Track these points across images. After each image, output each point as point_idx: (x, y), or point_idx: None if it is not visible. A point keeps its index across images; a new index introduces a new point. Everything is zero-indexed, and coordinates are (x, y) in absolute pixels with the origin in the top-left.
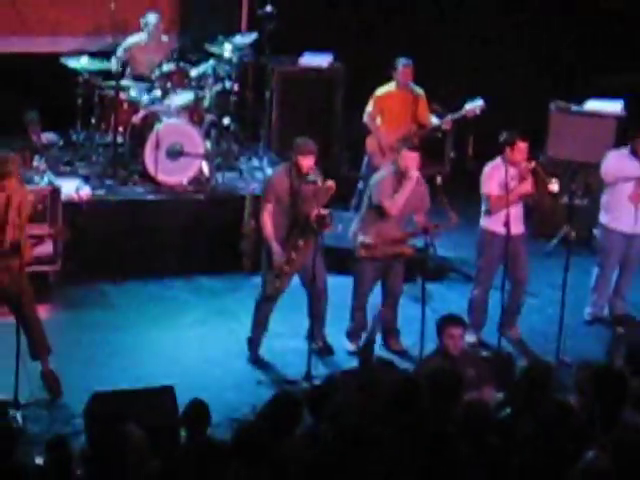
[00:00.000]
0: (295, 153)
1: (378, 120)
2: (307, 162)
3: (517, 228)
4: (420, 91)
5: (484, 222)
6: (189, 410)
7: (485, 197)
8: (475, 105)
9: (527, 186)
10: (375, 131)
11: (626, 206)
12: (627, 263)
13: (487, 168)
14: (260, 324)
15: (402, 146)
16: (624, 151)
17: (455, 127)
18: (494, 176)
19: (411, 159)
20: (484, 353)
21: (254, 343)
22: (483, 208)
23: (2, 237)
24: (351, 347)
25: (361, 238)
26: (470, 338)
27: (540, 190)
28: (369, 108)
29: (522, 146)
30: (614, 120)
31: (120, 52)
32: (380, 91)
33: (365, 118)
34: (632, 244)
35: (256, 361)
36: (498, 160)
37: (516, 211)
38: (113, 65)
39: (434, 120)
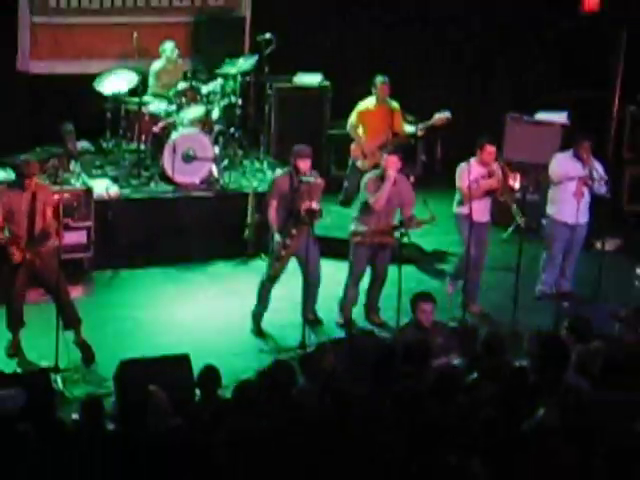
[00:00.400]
0: (294, 157)
1: (360, 130)
2: (304, 164)
3: (483, 217)
4: (395, 105)
5: (458, 209)
6: (203, 374)
7: (459, 189)
8: (443, 115)
9: (493, 182)
10: (357, 139)
11: (569, 201)
12: (570, 248)
13: (462, 166)
14: (263, 301)
15: (383, 152)
16: (568, 154)
17: (425, 134)
18: (466, 173)
19: (392, 162)
20: (452, 324)
21: (257, 317)
22: (457, 198)
23: (31, 228)
24: (340, 319)
25: (354, 227)
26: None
27: (503, 185)
28: (352, 120)
29: (490, 149)
30: (560, 128)
31: (151, 79)
32: (361, 105)
33: (349, 128)
34: (574, 232)
35: (259, 332)
36: (471, 160)
37: (483, 203)
38: (150, 87)
39: (409, 128)
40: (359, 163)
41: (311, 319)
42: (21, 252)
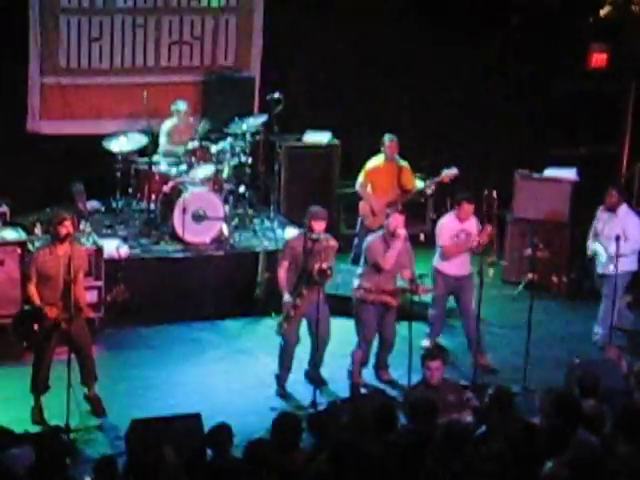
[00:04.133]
0: (309, 218)
1: (369, 188)
2: (319, 226)
3: (464, 270)
4: (404, 163)
5: (436, 264)
6: (214, 432)
7: (438, 246)
8: (450, 172)
9: (472, 243)
10: (366, 197)
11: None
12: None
13: (441, 222)
14: (283, 363)
15: (391, 210)
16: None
17: (434, 192)
18: (446, 230)
19: (400, 220)
20: (462, 382)
21: (280, 379)
22: (437, 254)
23: (67, 293)
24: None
25: (358, 282)
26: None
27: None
28: (361, 178)
29: (467, 207)
30: (569, 184)
31: (163, 139)
32: (370, 164)
33: (358, 187)
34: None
35: (283, 395)
36: (451, 215)
37: (463, 257)
38: (161, 146)
39: (419, 184)
40: (368, 221)
41: (317, 379)
42: (55, 312)
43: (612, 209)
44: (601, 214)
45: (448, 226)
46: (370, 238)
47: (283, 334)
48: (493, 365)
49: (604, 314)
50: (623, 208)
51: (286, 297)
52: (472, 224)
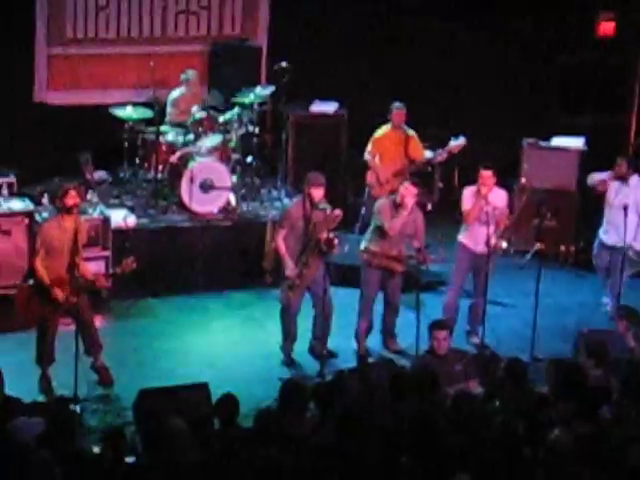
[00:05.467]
0: (307, 185)
1: (376, 158)
2: (318, 193)
3: (477, 245)
4: (412, 132)
5: (459, 237)
6: (221, 402)
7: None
8: (458, 142)
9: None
10: (374, 167)
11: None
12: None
13: (467, 189)
14: (287, 333)
15: (399, 179)
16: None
17: (444, 161)
18: (467, 197)
19: (410, 191)
20: (471, 351)
21: (286, 350)
22: (463, 226)
23: (73, 265)
24: (357, 347)
25: (365, 245)
26: None
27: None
28: (368, 148)
29: (484, 174)
30: (577, 153)
31: (170, 107)
32: (377, 133)
33: (365, 156)
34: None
35: (290, 364)
36: (472, 188)
37: (482, 231)
38: (168, 115)
39: (428, 154)
40: (375, 191)
41: (325, 353)
42: (63, 291)
43: (623, 179)
44: (612, 183)
45: (470, 196)
46: (380, 201)
47: (285, 302)
48: (483, 343)
49: (613, 286)
50: (635, 178)
51: (290, 265)
52: (498, 197)
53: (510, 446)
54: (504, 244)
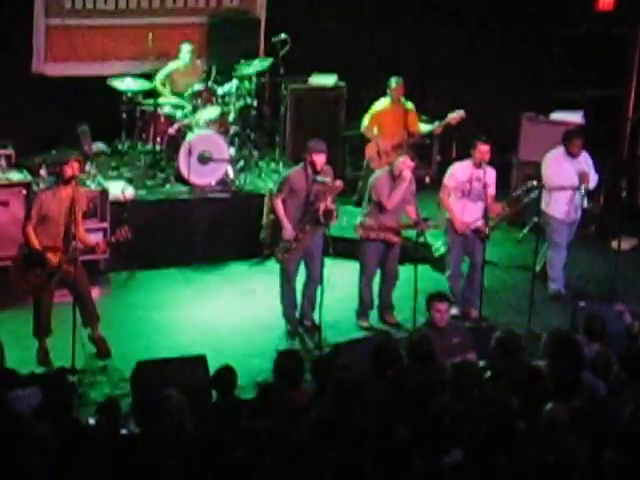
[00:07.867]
0: (309, 152)
1: (375, 130)
2: (320, 159)
3: (477, 221)
4: (410, 105)
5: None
6: (219, 374)
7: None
8: (457, 114)
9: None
10: (372, 140)
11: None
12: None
13: (455, 164)
14: (287, 298)
15: (398, 152)
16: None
17: (442, 133)
18: (456, 171)
19: (407, 164)
20: (468, 324)
21: (287, 318)
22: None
23: (67, 234)
24: (363, 324)
25: (362, 219)
26: (453, 311)
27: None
28: (367, 121)
29: (482, 147)
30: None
31: (161, 76)
32: (376, 106)
33: (364, 129)
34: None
35: (293, 334)
36: (466, 161)
37: (476, 208)
38: (158, 86)
39: (425, 127)
40: (374, 164)
41: (308, 325)
42: (57, 257)
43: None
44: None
45: (461, 170)
46: (377, 174)
47: (283, 263)
48: (480, 317)
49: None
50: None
51: (287, 226)
52: (489, 174)
53: (503, 420)
54: (487, 230)
